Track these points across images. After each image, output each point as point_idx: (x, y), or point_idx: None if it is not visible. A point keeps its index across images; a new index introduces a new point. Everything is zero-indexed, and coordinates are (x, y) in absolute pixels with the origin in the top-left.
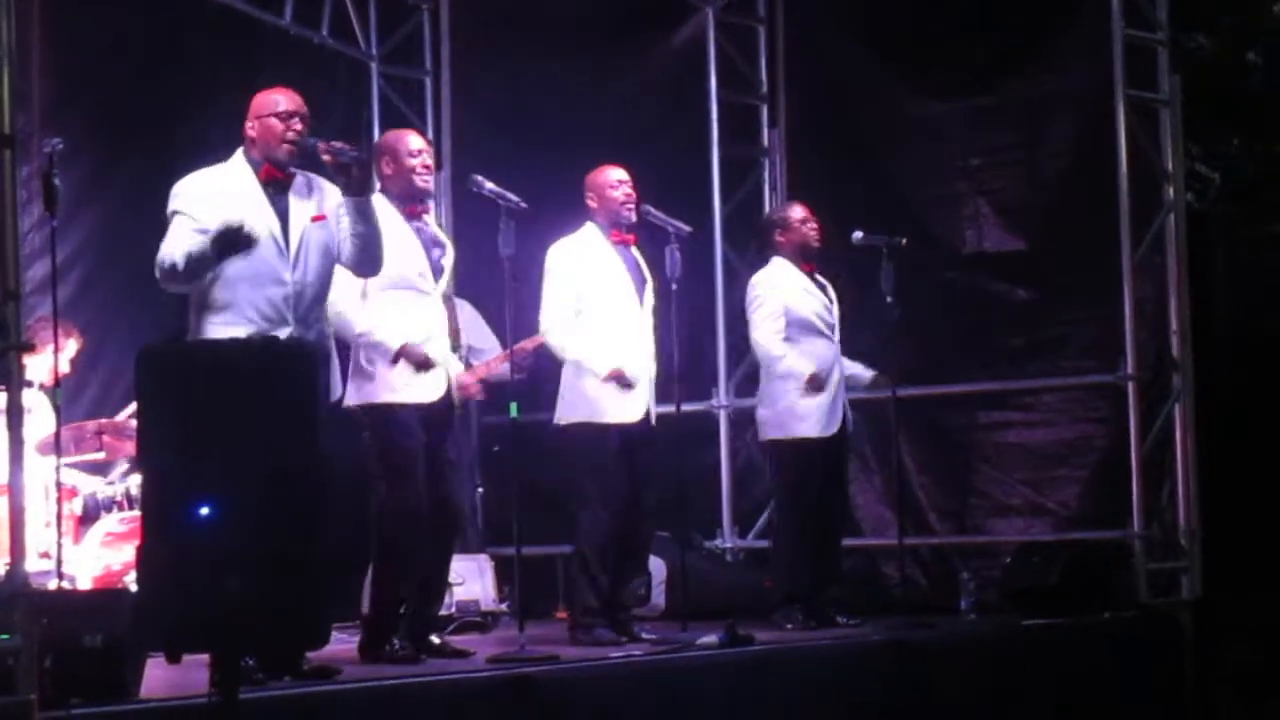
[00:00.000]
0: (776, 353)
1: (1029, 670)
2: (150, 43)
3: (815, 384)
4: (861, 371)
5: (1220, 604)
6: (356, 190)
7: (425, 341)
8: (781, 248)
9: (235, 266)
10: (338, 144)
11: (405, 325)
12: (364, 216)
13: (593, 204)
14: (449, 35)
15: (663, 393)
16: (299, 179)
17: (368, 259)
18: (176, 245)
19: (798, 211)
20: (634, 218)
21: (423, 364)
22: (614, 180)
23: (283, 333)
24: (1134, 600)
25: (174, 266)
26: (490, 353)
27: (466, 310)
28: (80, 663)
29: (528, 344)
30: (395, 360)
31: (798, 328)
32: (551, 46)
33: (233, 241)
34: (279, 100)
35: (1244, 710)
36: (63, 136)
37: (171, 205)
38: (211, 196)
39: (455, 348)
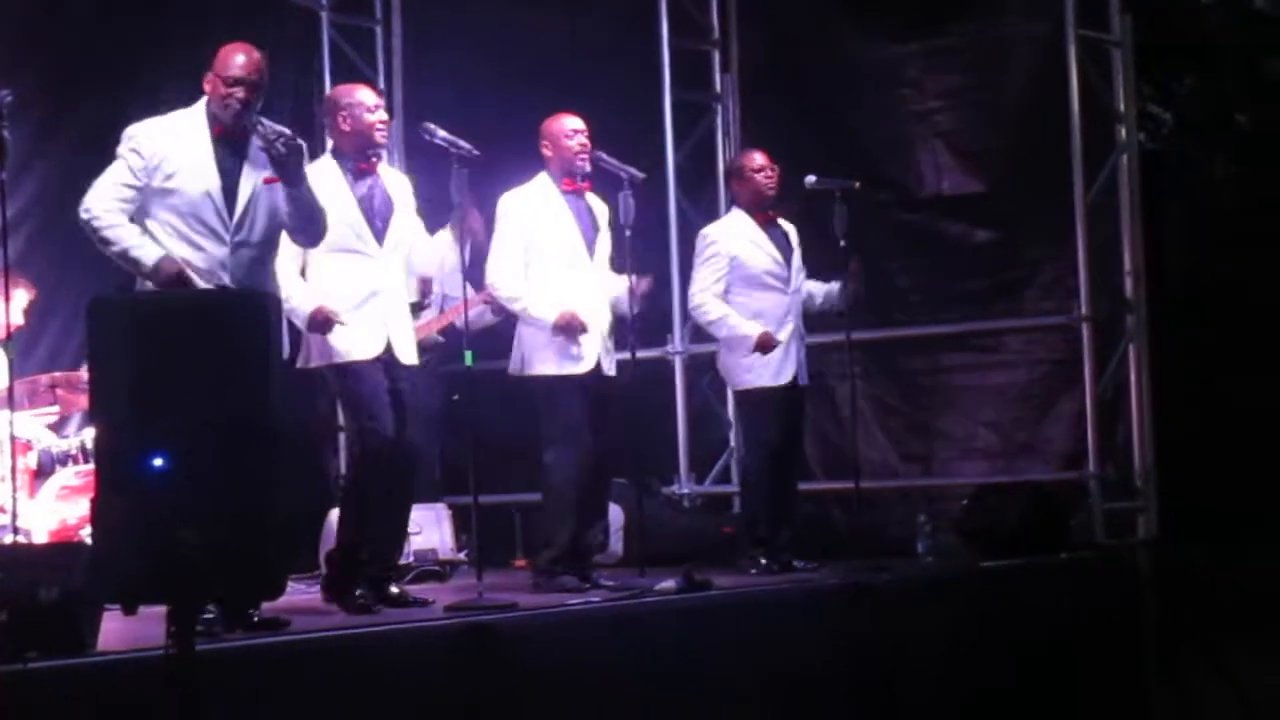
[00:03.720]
0: (713, 313)
1: (986, 612)
2: None
3: (765, 344)
4: (830, 287)
5: (1176, 544)
6: (291, 180)
7: (363, 303)
8: (738, 197)
9: (170, 221)
10: (274, 131)
11: (341, 289)
12: (296, 203)
13: (547, 152)
14: None
15: (618, 340)
16: (254, 139)
17: (309, 234)
18: (115, 219)
19: (754, 160)
20: (588, 167)
21: (325, 325)
22: (569, 129)
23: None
24: (1090, 541)
25: (100, 235)
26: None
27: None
28: (36, 616)
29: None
30: (314, 325)
31: (745, 282)
32: None
33: (173, 278)
34: (231, 64)
35: (1201, 650)
36: (11, 88)
37: (121, 147)
38: (158, 152)
39: (424, 299)
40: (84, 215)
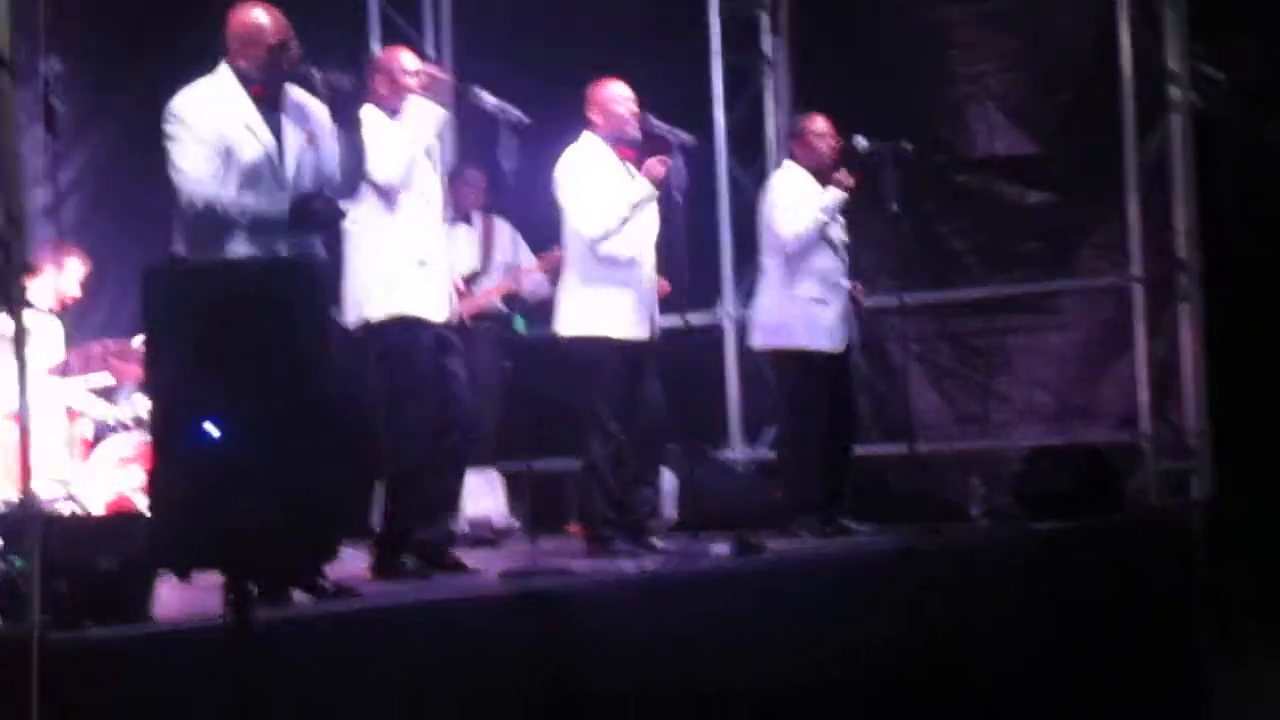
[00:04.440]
0: (809, 221)
1: (1041, 575)
2: None
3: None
4: None
5: (1231, 505)
6: (351, 124)
7: (424, 262)
8: (796, 158)
9: (233, 186)
10: (334, 74)
11: (414, 239)
12: (354, 148)
13: (596, 119)
14: None
15: (669, 303)
16: (289, 97)
17: (351, 186)
18: (225, 194)
19: (817, 124)
20: (639, 135)
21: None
22: (618, 96)
23: (279, 245)
24: (1144, 502)
25: (229, 214)
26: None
27: (506, 230)
28: (94, 586)
29: (557, 252)
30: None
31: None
32: None
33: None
34: (265, 29)
35: (1254, 610)
36: (62, 57)
37: (169, 125)
38: (211, 118)
39: (486, 266)
40: (200, 207)
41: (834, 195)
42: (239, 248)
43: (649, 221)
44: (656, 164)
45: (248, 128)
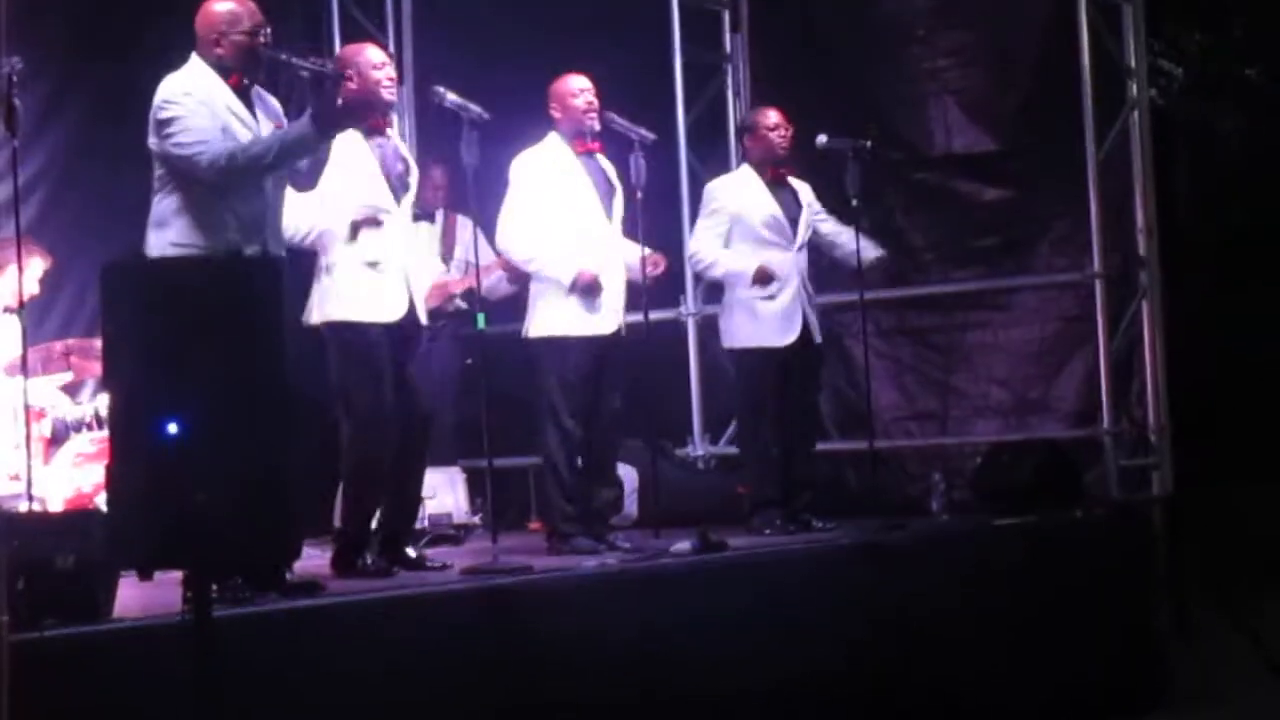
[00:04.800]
0: (707, 258)
1: (1001, 569)
2: None
3: (762, 277)
4: (870, 249)
5: (1190, 500)
6: (327, 110)
7: (383, 263)
8: (749, 153)
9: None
10: (316, 59)
11: (365, 248)
12: (326, 139)
13: (556, 114)
14: None
15: (630, 301)
16: (254, 90)
17: (313, 176)
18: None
19: (769, 117)
20: (597, 126)
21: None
22: (575, 89)
23: (254, 246)
24: (1104, 497)
25: (264, 153)
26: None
27: (468, 228)
28: (53, 584)
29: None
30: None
31: (746, 238)
32: None
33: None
34: (241, 15)
35: (1214, 605)
36: (21, 56)
37: (168, 111)
38: (206, 100)
39: (446, 263)
40: (224, 164)
41: (735, 271)
42: (228, 236)
43: (615, 218)
44: (593, 281)
45: (234, 114)
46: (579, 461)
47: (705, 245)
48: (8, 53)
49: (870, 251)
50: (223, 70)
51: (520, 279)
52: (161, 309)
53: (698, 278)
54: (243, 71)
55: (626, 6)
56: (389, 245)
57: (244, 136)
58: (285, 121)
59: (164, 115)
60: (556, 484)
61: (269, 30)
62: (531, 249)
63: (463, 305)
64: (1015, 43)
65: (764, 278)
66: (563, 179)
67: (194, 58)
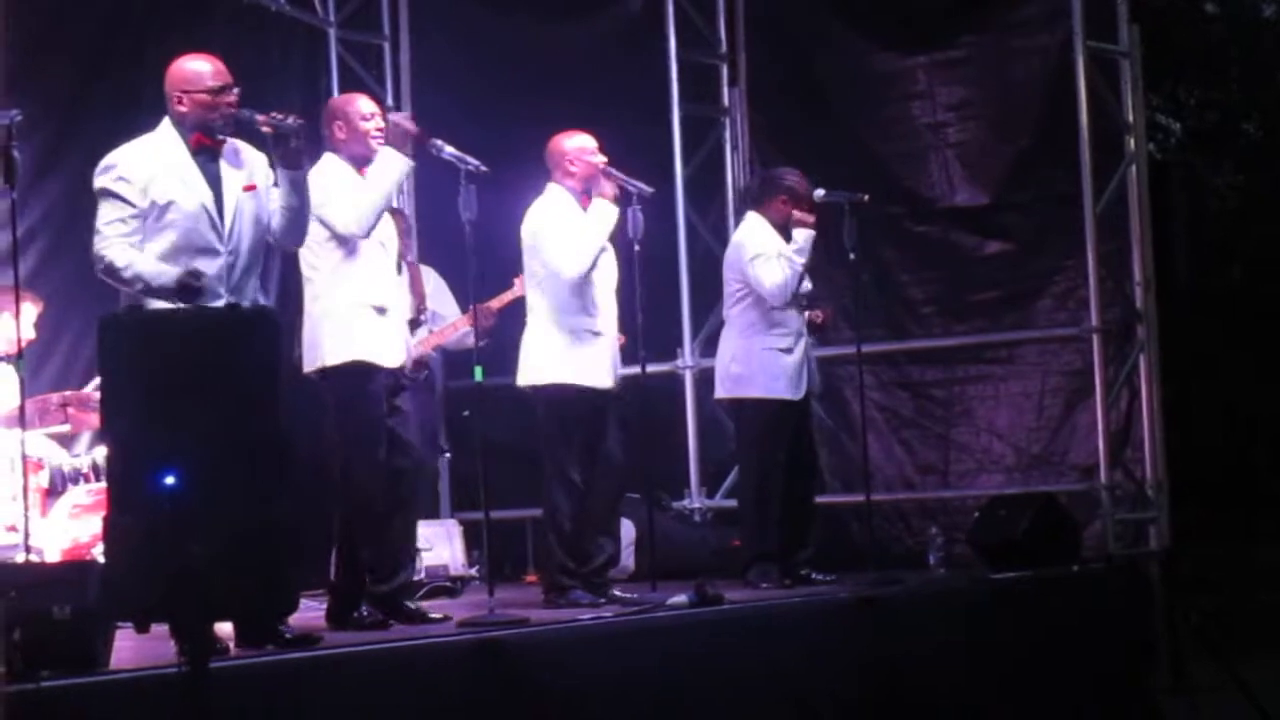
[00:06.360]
0: (789, 258)
1: (998, 624)
2: (106, 12)
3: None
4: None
5: (1187, 554)
6: (294, 163)
7: (380, 310)
8: (769, 212)
9: (169, 239)
10: (277, 115)
11: (373, 286)
12: (297, 189)
13: (560, 170)
14: (407, 1)
15: (627, 354)
16: (228, 146)
17: (296, 232)
18: (128, 256)
19: (800, 187)
20: (607, 190)
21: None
22: (590, 148)
23: (216, 305)
24: (1102, 552)
25: (120, 275)
26: (450, 320)
27: (433, 278)
28: (50, 635)
29: (493, 303)
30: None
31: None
32: (509, 9)
33: (196, 291)
34: (205, 74)
35: (1211, 660)
36: (20, 108)
37: (100, 182)
38: (145, 174)
39: (419, 314)
40: (100, 268)
41: (804, 235)
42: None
43: (609, 272)
44: (609, 185)
45: (182, 182)
46: (581, 514)
47: (779, 268)
48: (6, 105)
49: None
50: (186, 129)
51: (486, 334)
52: (158, 361)
53: (697, 332)
54: (204, 130)
55: (624, 59)
56: (392, 289)
57: (187, 205)
58: (256, 177)
59: (96, 186)
60: (558, 537)
61: (234, 90)
62: (580, 260)
63: (434, 355)
64: (1015, 97)
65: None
66: (579, 217)
67: (164, 120)
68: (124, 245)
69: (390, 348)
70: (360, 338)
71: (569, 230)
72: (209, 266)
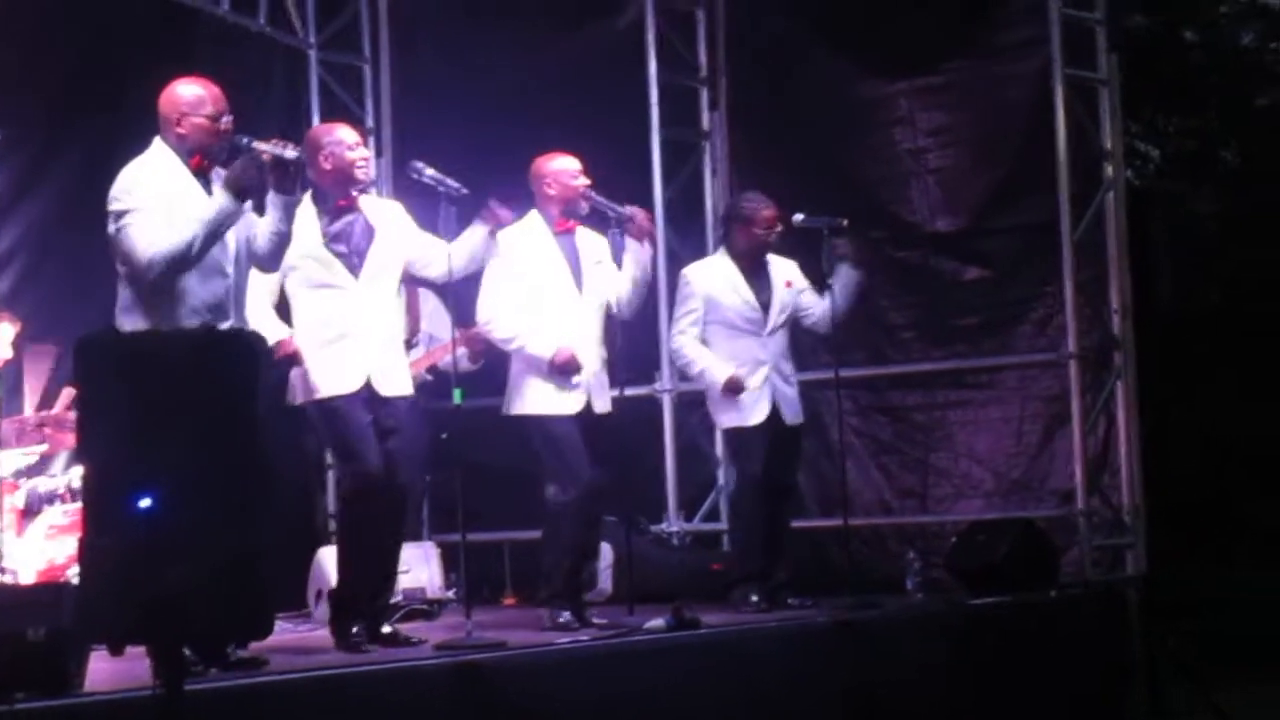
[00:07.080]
0: (688, 356)
1: (976, 648)
2: (87, 32)
3: (733, 387)
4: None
5: (1165, 579)
6: (290, 189)
7: (340, 337)
8: (734, 242)
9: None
10: (277, 142)
11: (314, 324)
12: (290, 216)
13: (550, 191)
14: (387, 22)
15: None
16: (216, 170)
17: (279, 257)
18: (172, 232)
19: (764, 213)
20: (585, 209)
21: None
22: (574, 170)
23: (226, 324)
24: (1080, 577)
25: (189, 244)
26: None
27: (431, 300)
28: (24, 656)
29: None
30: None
31: (721, 326)
32: (490, 31)
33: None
34: (205, 99)
35: (1188, 685)
36: (1, 129)
37: (120, 204)
38: (162, 190)
39: (413, 336)
40: (164, 268)
41: (724, 379)
42: (190, 320)
43: (572, 310)
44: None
45: (190, 197)
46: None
47: (686, 344)
48: None
49: (840, 297)
50: (184, 152)
51: (481, 356)
52: (136, 382)
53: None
54: (203, 154)
55: (605, 82)
56: (343, 318)
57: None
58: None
59: (117, 207)
60: (564, 536)
61: (229, 115)
62: (512, 326)
63: (429, 378)
64: (995, 124)
65: (734, 388)
66: (538, 257)
67: (156, 140)
68: (172, 236)
69: (356, 372)
70: (325, 371)
71: (506, 286)
72: (220, 287)
